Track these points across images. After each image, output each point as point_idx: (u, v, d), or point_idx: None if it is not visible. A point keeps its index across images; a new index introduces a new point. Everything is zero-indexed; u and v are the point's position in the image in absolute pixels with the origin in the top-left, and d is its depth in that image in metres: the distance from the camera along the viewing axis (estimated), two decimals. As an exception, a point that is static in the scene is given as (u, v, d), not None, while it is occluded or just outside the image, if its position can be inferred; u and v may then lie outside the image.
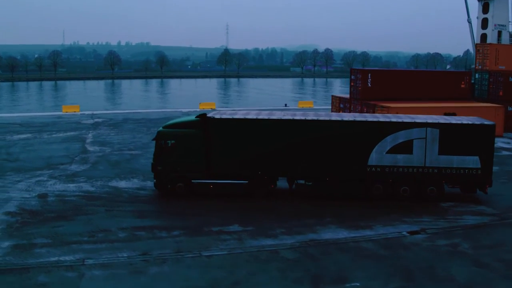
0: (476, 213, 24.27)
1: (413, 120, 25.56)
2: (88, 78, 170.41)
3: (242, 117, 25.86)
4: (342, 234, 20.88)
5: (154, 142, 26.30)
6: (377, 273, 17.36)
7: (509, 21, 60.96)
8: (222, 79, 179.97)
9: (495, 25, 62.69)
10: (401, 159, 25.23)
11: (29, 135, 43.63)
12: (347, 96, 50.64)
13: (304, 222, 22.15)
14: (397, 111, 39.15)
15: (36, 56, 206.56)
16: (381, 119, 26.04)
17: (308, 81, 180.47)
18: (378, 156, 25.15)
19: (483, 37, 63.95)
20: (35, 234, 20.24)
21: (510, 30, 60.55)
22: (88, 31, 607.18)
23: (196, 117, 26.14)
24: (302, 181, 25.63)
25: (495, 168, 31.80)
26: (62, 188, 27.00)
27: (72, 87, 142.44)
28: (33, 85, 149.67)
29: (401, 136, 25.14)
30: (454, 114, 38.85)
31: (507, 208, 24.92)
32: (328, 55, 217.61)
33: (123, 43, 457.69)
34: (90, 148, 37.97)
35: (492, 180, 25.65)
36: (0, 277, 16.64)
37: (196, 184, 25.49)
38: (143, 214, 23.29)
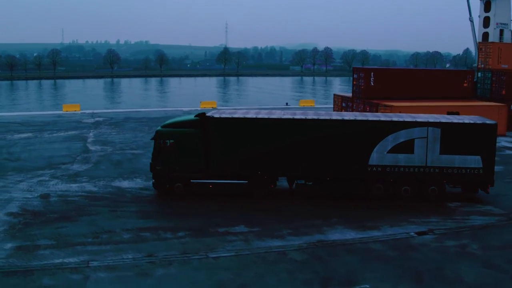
0: (483, 213, 24.05)
1: (414, 119, 25.34)
2: (88, 77, 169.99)
3: (241, 116, 25.62)
4: (350, 235, 20.65)
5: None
6: (386, 275, 17.13)
7: (511, 20, 60.75)
8: (222, 78, 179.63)
9: (497, 23, 62.48)
10: (402, 158, 24.99)
11: (29, 134, 43.35)
12: (350, 95, 50.39)
13: (310, 223, 21.91)
14: (400, 110, 38.97)
15: (35, 55, 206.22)
16: (382, 118, 25.83)
17: (308, 79, 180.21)
18: (379, 155, 24.93)
19: (485, 35, 63.74)
20: (38, 235, 19.98)
21: (512, 29, 60.32)
22: (87, 30, 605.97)
23: (195, 116, 25.87)
24: (302, 181, 25.39)
25: (499, 168, 31.67)
26: (64, 188, 26.73)
27: (72, 85, 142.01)
28: (32, 83, 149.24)
29: (402, 136, 24.91)
30: (457, 113, 38.72)
31: (515, 208, 24.70)
32: (327, 53, 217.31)
33: (122, 42, 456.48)
34: (92, 148, 37.70)
35: (494, 179, 25.41)
36: (4, 279, 16.37)
37: (195, 184, 25.23)
38: (147, 214, 23.04)
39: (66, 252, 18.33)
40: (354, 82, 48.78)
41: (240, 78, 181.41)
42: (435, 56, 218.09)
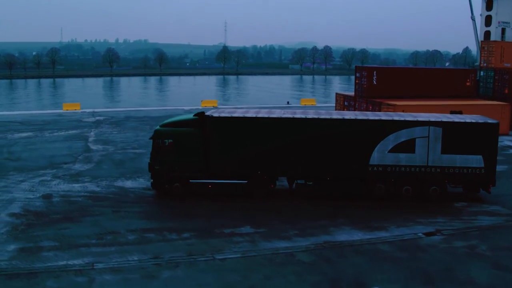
0: (491, 213, 23.83)
1: (415, 119, 25.10)
2: (87, 76, 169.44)
3: (241, 115, 25.34)
4: (357, 235, 20.41)
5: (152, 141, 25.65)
6: (395, 277, 16.89)
7: (513, 18, 60.61)
8: (221, 77, 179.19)
9: (499, 22, 62.33)
10: (403, 158, 24.75)
11: (30, 133, 43.00)
12: (352, 93, 50.12)
13: (316, 223, 21.66)
14: (403, 109, 38.79)
15: (34, 53, 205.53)
16: (383, 118, 25.60)
17: (307, 78, 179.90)
18: (380, 155, 24.67)
19: (487, 34, 63.56)
20: (42, 237, 19.70)
21: (515, 28, 60.16)
22: (86, 29, 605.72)
23: (194, 116, 25.58)
24: (302, 181, 25.13)
25: (504, 167, 31.52)
26: (66, 188, 26.45)
27: (71, 84, 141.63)
28: (32, 82, 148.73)
29: (403, 135, 24.66)
30: (460, 112, 38.52)
31: (522, 208, 24.48)
32: (327, 52, 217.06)
33: (121, 41, 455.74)
34: (93, 147, 37.40)
35: (495, 179, 25.18)
36: (7, 282, 16.08)
37: (194, 184, 24.95)
38: (151, 215, 22.79)
39: (70, 254, 18.05)
40: (357, 81, 48.48)
41: (240, 77, 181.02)
42: (435, 55, 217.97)
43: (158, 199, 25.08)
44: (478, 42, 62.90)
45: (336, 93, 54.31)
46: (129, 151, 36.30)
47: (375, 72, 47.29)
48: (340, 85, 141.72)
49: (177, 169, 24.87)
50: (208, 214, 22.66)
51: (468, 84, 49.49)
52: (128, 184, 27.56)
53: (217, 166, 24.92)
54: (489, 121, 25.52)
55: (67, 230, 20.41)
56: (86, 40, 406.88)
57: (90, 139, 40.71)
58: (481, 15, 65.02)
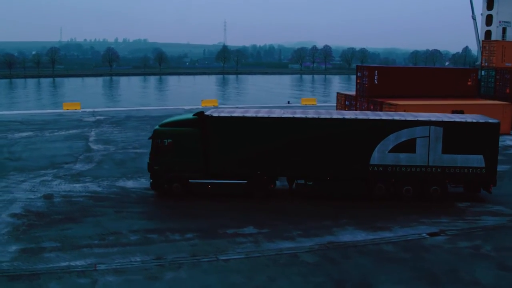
0: (494, 213, 23.69)
1: (416, 118, 24.95)
2: (86, 75, 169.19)
3: (240, 115, 25.17)
4: (361, 236, 20.26)
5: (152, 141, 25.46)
6: (401, 278, 16.77)
7: (514, 18, 60.55)
8: (221, 76, 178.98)
9: (499, 21, 62.27)
10: (403, 158, 24.60)
11: (30, 133, 42.84)
12: (353, 93, 49.99)
13: (319, 224, 21.52)
14: (405, 108, 38.67)
15: (33, 53, 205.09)
16: (383, 117, 25.45)
17: (307, 77, 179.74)
18: (380, 155, 24.52)
19: (487, 33, 63.49)
20: (43, 237, 19.53)
21: (516, 27, 60.10)
22: (85, 28, 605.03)
23: (193, 115, 25.42)
24: (302, 181, 24.99)
25: (506, 167, 31.43)
26: (68, 189, 26.29)
27: (71, 84, 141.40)
28: (31, 82, 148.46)
29: (403, 135, 24.50)
30: (462, 112, 38.43)
31: (525, 209, 24.37)
32: (326, 51, 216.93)
33: (120, 40, 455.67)
34: (94, 147, 37.25)
35: (496, 179, 25.05)
36: (9, 283, 15.93)
37: (193, 184, 24.78)
38: (154, 215, 22.65)
39: (72, 255, 17.88)
40: (358, 81, 48.34)
41: (239, 76, 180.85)
42: (434, 54, 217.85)
43: (160, 200, 24.93)
44: (479, 42, 62.82)
45: (337, 93, 54.18)
46: (130, 150, 36.16)
47: (376, 71, 47.16)
48: (340, 84, 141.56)
49: (176, 169, 24.72)
50: (210, 214, 22.52)
51: (469, 83, 49.37)
52: (130, 184, 27.41)
53: (217, 166, 24.77)
54: (490, 120, 25.39)
55: (69, 231, 20.26)
56: (85, 40, 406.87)
57: (91, 138, 40.55)
58: (482, 14, 64.95)
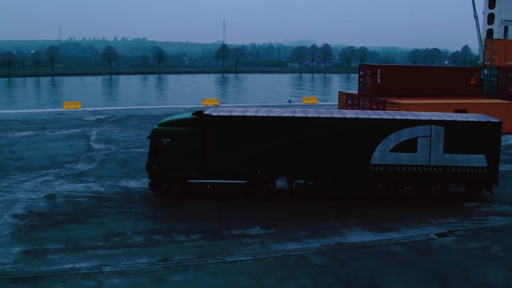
0: (502, 213, 23.46)
1: (417, 118, 24.69)
2: (86, 74, 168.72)
3: (240, 114, 24.86)
4: (369, 237, 20.02)
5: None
6: (411, 279, 16.55)
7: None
8: (220, 75, 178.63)
9: (501, 20, 62.10)
10: (405, 157, 24.36)
11: (31, 132, 42.52)
12: (356, 92, 49.72)
13: (326, 224, 21.27)
14: (408, 107, 38.45)
15: (32, 52, 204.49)
16: (384, 117, 25.18)
17: (307, 76, 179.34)
18: (381, 154, 24.27)
19: (489, 32, 63.32)
20: (46, 239, 19.25)
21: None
22: (84, 27, 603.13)
23: (192, 115, 25.12)
24: (302, 181, 24.73)
25: (509, 167, 31.16)
26: (70, 189, 26.00)
27: (70, 83, 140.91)
28: (30, 81, 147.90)
29: (405, 134, 24.27)
30: (465, 111, 38.22)
31: (532, 208, 24.13)
32: (326, 50, 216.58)
33: (119, 39, 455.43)
34: (95, 146, 36.95)
35: (498, 179, 24.79)
36: (13, 286, 15.66)
37: (193, 184, 24.50)
38: (158, 216, 22.39)
39: (77, 257, 17.62)
40: (360, 79, 48.08)
41: (239, 75, 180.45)
42: (434, 53, 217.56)
43: (163, 200, 24.62)
44: (481, 40, 62.62)
45: (339, 92, 53.93)
46: (132, 150, 35.87)
47: (379, 70, 46.94)
48: (339, 83, 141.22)
49: (175, 169, 24.42)
50: (213, 215, 22.26)
51: (472, 82, 49.21)
52: (133, 184, 27.14)
53: (216, 166, 24.49)
54: (492, 120, 25.13)
55: (73, 232, 19.97)
56: (84, 38, 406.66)
57: (92, 138, 40.25)
58: (483, 13, 64.76)
